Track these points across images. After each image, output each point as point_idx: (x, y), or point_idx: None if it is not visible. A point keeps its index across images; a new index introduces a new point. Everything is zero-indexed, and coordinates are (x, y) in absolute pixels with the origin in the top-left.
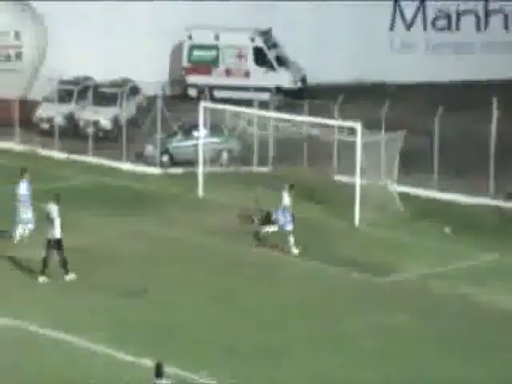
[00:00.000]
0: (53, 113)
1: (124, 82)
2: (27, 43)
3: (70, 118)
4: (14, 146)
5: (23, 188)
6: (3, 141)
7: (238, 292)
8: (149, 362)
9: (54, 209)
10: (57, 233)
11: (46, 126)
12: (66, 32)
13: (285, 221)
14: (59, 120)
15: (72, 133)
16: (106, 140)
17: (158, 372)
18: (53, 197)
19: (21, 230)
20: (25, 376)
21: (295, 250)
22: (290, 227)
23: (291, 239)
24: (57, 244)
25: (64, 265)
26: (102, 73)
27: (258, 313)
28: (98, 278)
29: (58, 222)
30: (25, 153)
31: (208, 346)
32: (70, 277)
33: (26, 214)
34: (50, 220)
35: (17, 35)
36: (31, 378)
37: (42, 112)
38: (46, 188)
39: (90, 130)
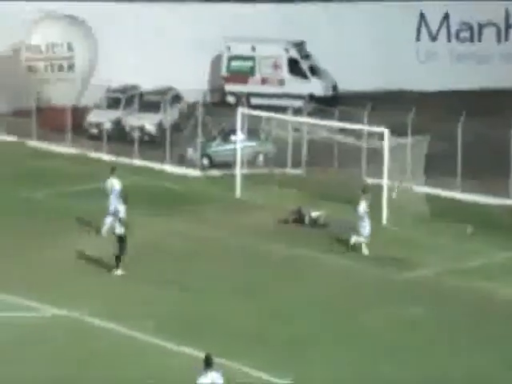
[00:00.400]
0: (102, 119)
1: (167, 90)
2: (79, 54)
3: (118, 124)
4: (66, 149)
5: (115, 183)
6: (57, 145)
7: (267, 287)
8: (192, 352)
9: (121, 208)
10: (121, 230)
11: (95, 130)
12: (115, 44)
13: (363, 225)
14: (108, 125)
15: (119, 137)
16: (150, 144)
17: (208, 363)
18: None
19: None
20: (75, 363)
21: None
22: (365, 230)
23: (356, 239)
24: (120, 240)
25: (118, 260)
26: (147, 82)
27: (284, 307)
28: (144, 272)
29: (123, 220)
30: (76, 155)
31: (240, 338)
32: (118, 272)
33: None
34: (117, 218)
35: (69, 47)
36: (81, 366)
37: (92, 118)
38: (94, 187)
39: (136, 135)
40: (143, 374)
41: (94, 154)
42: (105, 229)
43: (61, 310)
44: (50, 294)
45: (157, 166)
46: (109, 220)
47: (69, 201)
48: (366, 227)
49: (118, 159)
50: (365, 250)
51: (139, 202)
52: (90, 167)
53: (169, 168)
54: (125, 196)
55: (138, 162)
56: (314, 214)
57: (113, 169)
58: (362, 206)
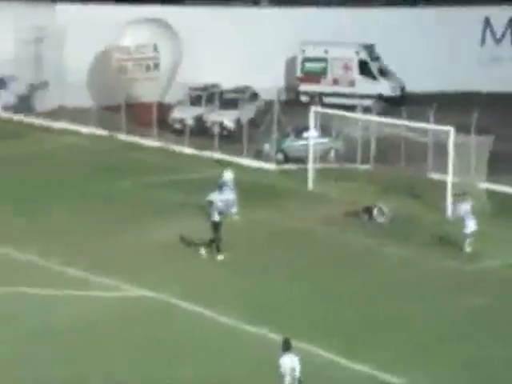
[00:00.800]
0: (185, 115)
1: (245, 88)
2: (164, 55)
3: (199, 120)
4: (152, 142)
5: (227, 176)
6: (144, 138)
7: (337, 276)
8: (274, 336)
9: (215, 197)
10: (216, 217)
11: (178, 126)
12: (198, 45)
13: (465, 224)
14: (190, 121)
15: (200, 132)
16: (229, 138)
17: (286, 346)
18: (216, 189)
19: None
20: (158, 344)
21: (468, 249)
22: (467, 229)
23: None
24: (215, 226)
25: (217, 246)
26: (227, 81)
27: (353, 294)
28: (233, 259)
29: (217, 209)
30: (161, 148)
31: (316, 323)
32: (220, 257)
33: (228, 198)
34: (213, 206)
35: (155, 48)
36: (165, 347)
37: (176, 114)
38: (177, 178)
39: (216, 130)
40: (223, 357)
41: (177, 148)
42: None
43: (149, 291)
44: (140, 275)
45: (235, 159)
46: (233, 209)
47: (155, 190)
48: (467, 227)
49: (201, 153)
50: (467, 248)
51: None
52: (174, 159)
53: (246, 161)
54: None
55: (217, 155)
56: (381, 210)
57: (228, 163)
58: (464, 207)
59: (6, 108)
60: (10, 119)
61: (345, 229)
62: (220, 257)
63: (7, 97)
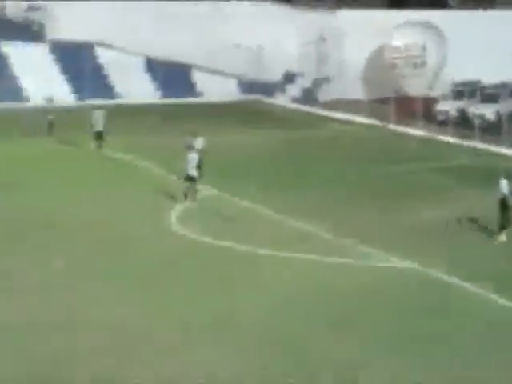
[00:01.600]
0: (448, 107)
1: (506, 84)
2: (431, 54)
3: (462, 112)
4: (418, 132)
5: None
6: (411, 128)
7: None
8: None
9: (504, 183)
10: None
11: (442, 117)
12: (461, 45)
13: None
14: (453, 113)
15: (462, 123)
16: (488, 130)
17: None
18: (504, 175)
19: None
20: (422, 312)
21: None
22: None
23: None
24: (503, 204)
25: (503, 226)
26: (487, 77)
27: None
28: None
29: (506, 190)
30: (426, 137)
31: None
32: (500, 239)
33: None
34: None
35: (423, 48)
36: (426, 317)
37: (441, 107)
38: (443, 165)
39: (477, 122)
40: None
41: (440, 137)
42: None
43: (417, 265)
44: (409, 250)
45: (495, 149)
46: None
47: (423, 174)
48: None
49: (463, 142)
50: None
51: (477, 180)
52: (439, 148)
53: (505, 151)
54: (508, 174)
55: (478, 144)
56: None
57: None
58: None
59: (294, 99)
60: (297, 109)
61: None
62: (500, 239)
63: (295, 90)
